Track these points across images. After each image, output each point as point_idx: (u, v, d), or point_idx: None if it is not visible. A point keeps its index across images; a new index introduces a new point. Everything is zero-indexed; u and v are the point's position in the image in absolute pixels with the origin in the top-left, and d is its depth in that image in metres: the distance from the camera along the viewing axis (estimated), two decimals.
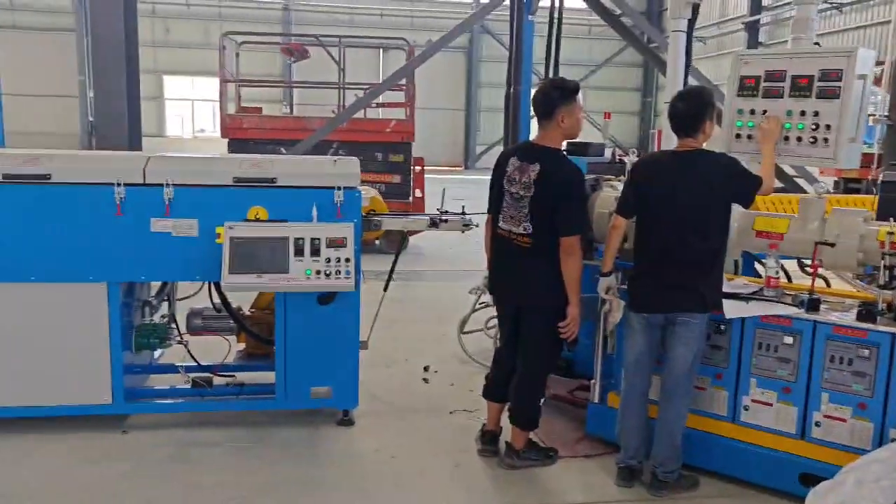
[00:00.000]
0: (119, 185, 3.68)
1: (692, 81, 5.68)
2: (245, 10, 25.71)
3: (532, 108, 3.57)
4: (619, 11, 7.68)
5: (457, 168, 25.96)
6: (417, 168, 10.11)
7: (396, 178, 10.02)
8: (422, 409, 4.46)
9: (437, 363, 5.24)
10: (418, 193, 10.02)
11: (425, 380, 4.98)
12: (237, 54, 11.22)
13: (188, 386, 4.21)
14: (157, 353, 4.57)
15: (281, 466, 3.65)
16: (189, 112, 27.26)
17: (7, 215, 3.63)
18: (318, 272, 3.77)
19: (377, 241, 7.82)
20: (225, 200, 3.81)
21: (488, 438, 3.88)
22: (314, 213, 3.87)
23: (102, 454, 3.69)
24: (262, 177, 3.85)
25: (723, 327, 3.53)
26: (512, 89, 5.85)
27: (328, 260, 3.78)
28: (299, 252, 3.77)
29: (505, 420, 3.82)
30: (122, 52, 6.34)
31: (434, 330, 6.07)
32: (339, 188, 3.87)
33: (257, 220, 3.84)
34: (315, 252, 3.79)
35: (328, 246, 3.80)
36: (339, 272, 3.79)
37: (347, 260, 3.80)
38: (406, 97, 10.68)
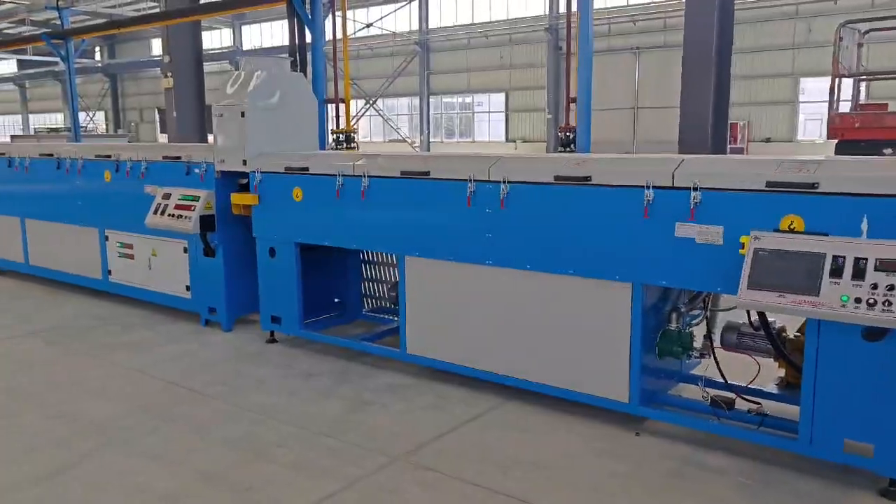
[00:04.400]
0: (648, 187, 3.68)
1: None
2: None
3: None
4: None
5: None
6: None
7: None
8: None
9: None
10: None
11: None
12: (859, 45, 9.90)
13: (707, 402, 3.95)
14: (693, 362, 4.43)
15: None
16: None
17: (556, 213, 4.03)
18: (859, 300, 3.03)
19: None
20: (755, 207, 3.41)
21: None
22: (864, 226, 3.14)
23: (609, 449, 3.79)
24: (801, 181, 3.30)
25: None
26: None
27: (874, 286, 3.01)
28: (836, 273, 3.11)
29: None
30: (711, 59, 6.31)
31: None
32: None
33: (790, 230, 3.32)
34: (858, 275, 3.06)
35: (877, 269, 3.03)
36: (890, 303, 2.98)
37: None
38: None
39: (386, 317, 5.94)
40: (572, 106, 7.19)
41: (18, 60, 39.91)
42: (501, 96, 32.22)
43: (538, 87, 30.51)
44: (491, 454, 3.75)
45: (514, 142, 31.68)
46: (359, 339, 5.30)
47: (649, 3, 27.68)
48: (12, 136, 31.27)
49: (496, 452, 3.77)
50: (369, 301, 6.20)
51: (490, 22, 31.35)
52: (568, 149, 6.69)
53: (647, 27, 27.50)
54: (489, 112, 32.94)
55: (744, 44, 23.84)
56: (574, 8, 6.81)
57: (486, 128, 33.14)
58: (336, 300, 6.06)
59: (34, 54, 32.57)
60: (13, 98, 47.52)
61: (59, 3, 12.74)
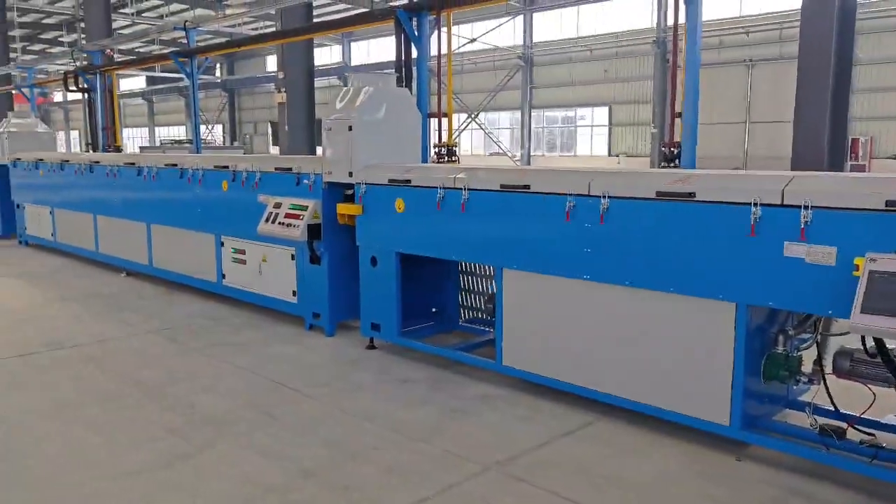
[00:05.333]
0: (755, 205, 3.58)
1: None
2: None
3: None
4: None
5: None
6: None
7: None
8: None
9: None
10: None
11: None
12: None
13: (816, 430, 3.77)
14: (801, 388, 4.24)
15: None
16: None
17: (657, 229, 3.97)
18: None
19: None
20: (871, 227, 3.25)
21: None
22: None
23: (707, 472, 3.69)
24: None
25: None
26: None
27: None
28: None
29: None
30: (829, 71, 6.04)
31: None
32: None
33: None
34: None
35: None
36: None
37: None
38: None
39: (482, 328, 6.00)
40: (677, 121, 6.99)
41: (147, 77, 42.89)
42: (605, 110, 31.75)
43: (643, 101, 29.87)
44: (585, 470, 3.73)
45: (618, 156, 31.10)
46: (455, 349, 5.39)
47: (764, 14, 26.59)
48: (141, 147, 33.62)
49: (591, 468, 3.74)
50: (466, 312, 6.28)
51: (595, 35, 31.01)
52: (672, 164, 6.53)
53: (761, 38, 26.39)
54: (592, 126, 32.53)
55: (868, 54, 22.46)
56: (682, 20, 6.67)
57: (589, 142, 32.74)
58: (433, 310, 6.18)
59: (161, 71, 34.87)
60: (142, 112, 51.05)
61: (187, 24, 13.64)
